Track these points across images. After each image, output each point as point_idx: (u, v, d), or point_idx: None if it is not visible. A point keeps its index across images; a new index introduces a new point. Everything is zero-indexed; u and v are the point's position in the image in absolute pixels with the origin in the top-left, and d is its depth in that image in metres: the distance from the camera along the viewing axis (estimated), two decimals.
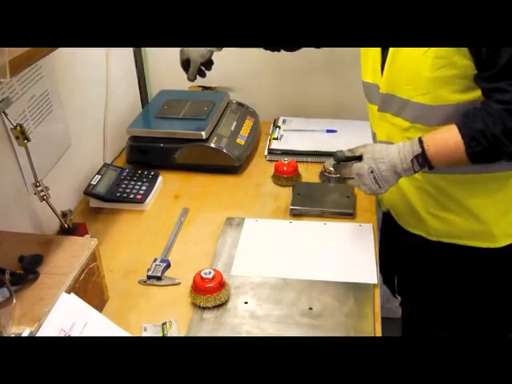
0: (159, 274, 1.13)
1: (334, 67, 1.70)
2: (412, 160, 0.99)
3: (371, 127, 1.22)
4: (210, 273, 1.05)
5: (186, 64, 1.40)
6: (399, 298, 1.46)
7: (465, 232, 1.14)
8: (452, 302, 1.25)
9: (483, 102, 0.95)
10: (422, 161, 0.98)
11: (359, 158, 1.05)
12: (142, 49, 1.73)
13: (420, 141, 0.98)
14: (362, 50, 1.17)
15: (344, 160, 1.07)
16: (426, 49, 0.96)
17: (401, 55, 1.02)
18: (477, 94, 0.97)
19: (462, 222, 1.13)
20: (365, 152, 1.04)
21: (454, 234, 1.15)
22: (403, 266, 1.34)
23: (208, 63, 1.41)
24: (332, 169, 1.42)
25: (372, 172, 1.02)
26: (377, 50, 1.10)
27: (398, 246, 1.31)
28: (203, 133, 1.45)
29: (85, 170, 1.42)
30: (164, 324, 0.98)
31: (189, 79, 1.42)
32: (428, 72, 0.98)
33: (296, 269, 1.13)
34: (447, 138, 0.97)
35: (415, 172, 1.01)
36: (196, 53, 1.37)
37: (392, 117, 1.10)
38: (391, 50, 1.04)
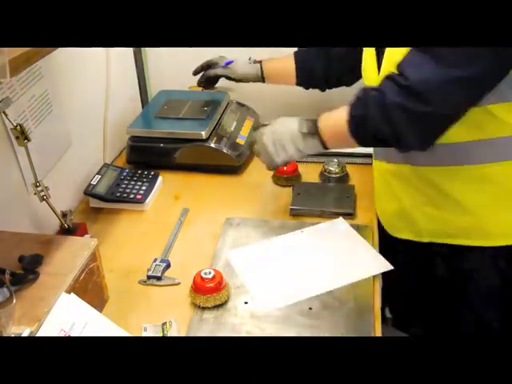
0: (159, 274, 1.13)
1: None
2: (305, 125, 1.08)
3: None
4: (209, 273, 1.05)
5: (205, 66, 1.46)
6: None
7: (458, 229, 1.13)
8: (443, 305, 1.25)
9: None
10: (312, 125, 1.07)
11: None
12: (142, 49, 1.73)
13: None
14: (364, 56, 1.17)
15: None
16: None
17: (394, 55, 1.00)
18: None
19: (454, 219, 1.12)
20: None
21: (447, 233, 1.14)
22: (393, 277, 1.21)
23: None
24: (332, 169, 1.42)
25: (273, 133, 1.12)
26: (373, 54, 1.10)
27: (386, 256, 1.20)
28: (203, 133, 1.45)
29: (85, 170, 1.42)
30: (164, 324, 0.98)
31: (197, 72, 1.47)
32: None
33: (304, 288, 1.07)
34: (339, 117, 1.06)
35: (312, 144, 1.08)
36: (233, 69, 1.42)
37: None
38: (387, 50, 1.04)
